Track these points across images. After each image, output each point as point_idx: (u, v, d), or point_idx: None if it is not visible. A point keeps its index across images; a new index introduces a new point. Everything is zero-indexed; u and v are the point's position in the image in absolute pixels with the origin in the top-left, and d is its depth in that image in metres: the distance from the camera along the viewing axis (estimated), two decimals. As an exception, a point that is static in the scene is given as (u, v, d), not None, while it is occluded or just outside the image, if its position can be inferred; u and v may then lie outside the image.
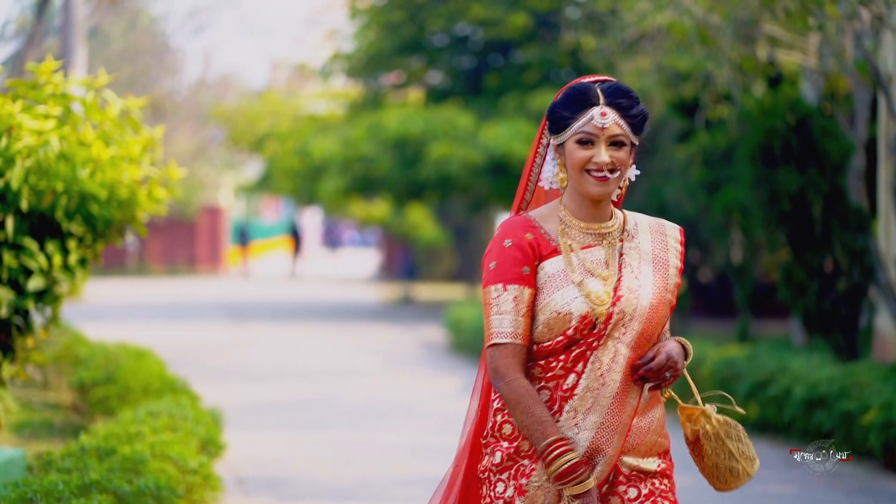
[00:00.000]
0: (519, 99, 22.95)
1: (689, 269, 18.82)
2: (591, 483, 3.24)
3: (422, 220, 31.76)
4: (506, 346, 3.31)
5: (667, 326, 3.46)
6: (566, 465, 3.24)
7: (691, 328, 16.18)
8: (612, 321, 3.31)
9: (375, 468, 8.82)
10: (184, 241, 39.46)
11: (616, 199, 3.50)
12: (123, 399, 8.41)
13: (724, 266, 16.31)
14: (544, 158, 3.45)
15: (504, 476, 3.33)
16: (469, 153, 21.76)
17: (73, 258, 6.77)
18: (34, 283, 6.57)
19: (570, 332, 3.31)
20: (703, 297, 19.70)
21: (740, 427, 3.52)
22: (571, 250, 3.35)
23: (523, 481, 3.30)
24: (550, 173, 3.43)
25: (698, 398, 3.53)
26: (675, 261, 3.44)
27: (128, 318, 21.33)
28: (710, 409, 3.52)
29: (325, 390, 13.02)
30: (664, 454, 3.44)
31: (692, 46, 12.58)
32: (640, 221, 3.47)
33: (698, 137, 16.32)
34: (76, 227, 6.74)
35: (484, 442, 3.40)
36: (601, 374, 3.31)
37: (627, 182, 3.44)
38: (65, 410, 9.82)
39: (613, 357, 3.32)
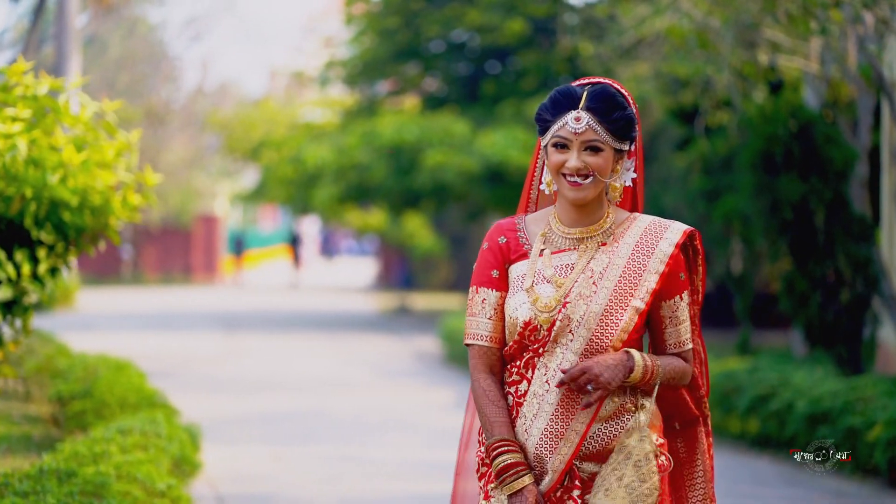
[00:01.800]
0: (516, 106, 22.69)
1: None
2: (525, 482, 3.22)
3: (418, 229, 31.49)
4: (473, 346, 3.39)
5: (685, 335, 3.46)
6: (500, 465, 3.25)
7: (690, 339, 15.92)
8: (556, 328, 3.27)
9: (362, 485, 8.52)
10: (179, 249, 39.17)
11: (621, 201, 3.44)
12: (99, 414, 8.11)
13: (725, 276, 16.05)
14: (545, 162, 3.42)
15: (482, 483, 3.37)
16: (465, 161, 21.49)
17: (42, 267, 6.54)
18: (2, 294, 6.35)
19: (517, 337, 3.32)
20: (702, 307, 19.41)
21: (655, 479, 3.25)
22: (541, 255, 3.34)
23: (490, 486, 3.33)
24: (546, 176, 3.43)
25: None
26: (657, 266, 3.33)
27: (119, 328, 21.05)
28: (655, 437, 3.32)
29: (314, 402, 12.73)
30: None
31: (691, 51, 12.34)
32: (636, 225, 3.39)
33: (698, 145, 16.09)
34: (46, 235, 6.49)
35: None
36: (546, 381, 3.29)
37: (622, 184, 3.37)
38: (45, 424, 9.54)
39: (560, 364, 3.27)
